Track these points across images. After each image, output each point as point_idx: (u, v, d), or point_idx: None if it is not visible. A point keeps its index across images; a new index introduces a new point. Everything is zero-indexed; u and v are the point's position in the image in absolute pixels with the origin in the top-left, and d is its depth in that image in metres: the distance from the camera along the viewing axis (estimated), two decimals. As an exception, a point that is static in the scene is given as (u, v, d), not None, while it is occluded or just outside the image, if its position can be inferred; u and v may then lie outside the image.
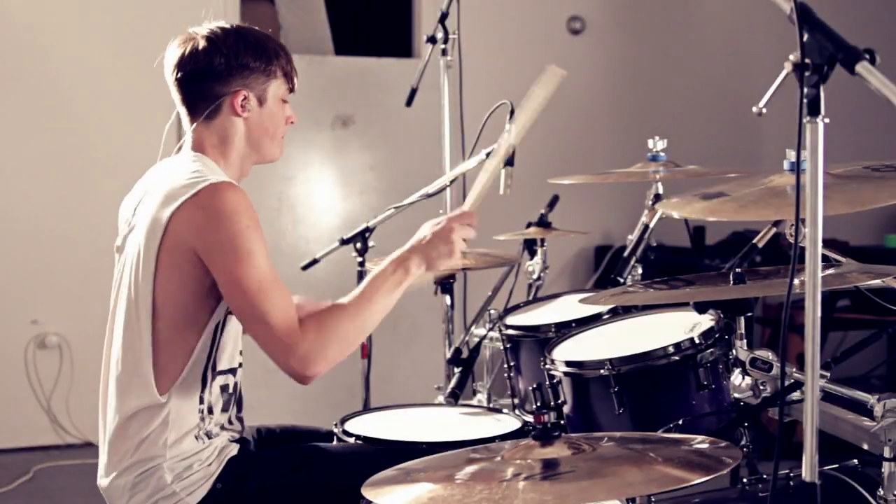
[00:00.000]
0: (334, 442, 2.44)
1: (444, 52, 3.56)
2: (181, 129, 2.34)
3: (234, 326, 2.25)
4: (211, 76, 2.25)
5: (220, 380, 2.22)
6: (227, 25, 2.31)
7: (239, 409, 2.32)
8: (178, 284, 2.13)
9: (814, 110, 1.54)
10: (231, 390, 2.27)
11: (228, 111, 2.26)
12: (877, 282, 2.16)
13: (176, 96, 2.30)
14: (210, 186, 2.11)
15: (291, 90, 2.35)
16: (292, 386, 2.57)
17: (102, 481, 2.22)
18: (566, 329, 2.66)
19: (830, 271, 2.16)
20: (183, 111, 2.30)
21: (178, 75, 2.27)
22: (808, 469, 1.57)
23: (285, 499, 2.23)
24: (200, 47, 2.25)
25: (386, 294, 2.19)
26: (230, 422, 2.28)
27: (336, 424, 2.49)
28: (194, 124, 2.28)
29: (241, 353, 2.30)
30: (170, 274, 2.13)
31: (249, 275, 2.07)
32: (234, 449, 2.25)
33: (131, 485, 2.16)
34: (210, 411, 2.21)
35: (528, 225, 3.35)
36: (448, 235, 2.25)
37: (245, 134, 2.28)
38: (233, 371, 2.26)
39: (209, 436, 2.22)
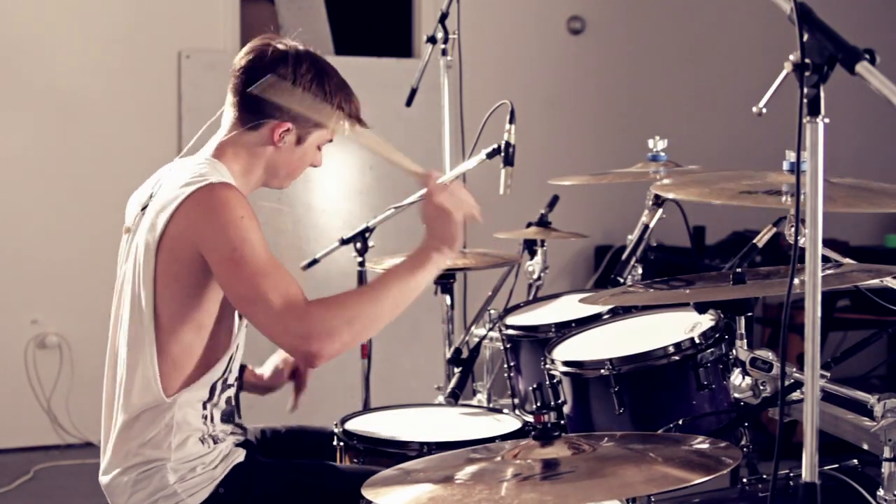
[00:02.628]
0: (335, 442, 2.45)
1: (444, 52, 3.56)
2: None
3: (242, 341, 2.26)
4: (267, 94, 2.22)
5: (226, 392, 2.24)
6: (314, 52, 2.28)
7: (239, 416, 2.32)
8: (179, 288, 2.13)
9: (814, 110, 1.54)
10: (233, 403, 2.28)
11: (267, 134, 2.24)
12: (876, 281, 2.16)
13: (230, 96, 2.27)
14: (207, 186, 2.11)
15: (331, 140, 2.33)
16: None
17: (104, 478, 2.23)
18: (566, 329, 2.66)
19: (830, 271, 2.16)
20: (229, 113, 2.27)
21: (242, 77, 2.23)
22: (808, 469, 1.57)
23: None
24: (277, 59, 2.21)
25: (402, 278, 2.13)
26: (233, 430, 2.29)
27: (336, 424, 2.49)
28: (233, 132, 2.25)
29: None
30: (171, 278, 2.13)
31: (245, 260, 2.05)
32: (240, 455, 2.25)
33: (133, 482, 2.17)
34: (212, 419, 2.22)
35: (528, 225, 3.34)
36: (438, 212, 2.17)
37: (270, 162, 2.27)
38: (234, 385, 2.28)
39: (215, 440, 2.22)
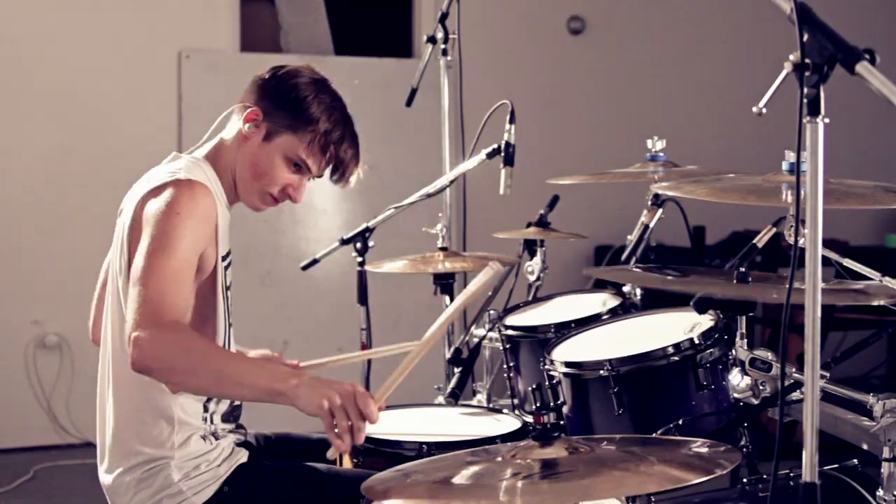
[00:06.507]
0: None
1: (444, 52, 3.56)
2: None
3: (232, 341, 2.25)
4: (259, 88, 2.27)
5: None
6: (324, 77, 2.31)
7: (238, 416, 2.32)
8: None
9: (814, 110, 1.54)
10: (234, 402, 2.27)
11: (240, 128, 2.26)
12: (876, 281, 2.16)
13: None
14: (174, 181, 2.11)
15: (308, 169, 2.29)
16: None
17: (105, 478, 2.22)
18: (566, 329, 2.66)
19: (860, 285, 2.14)
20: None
21: (257, 82, 2.30)
22: (808, 469, 1.57)
23: None
24: (299, 76, 2.28)
25: (247, 372, 1.95)
26: (235, 429, 2.29)
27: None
28: (225, 135, 2.29)
29: None
30: None
31: (154, 252, 2.00)
32: (243, 455, 2.25)
33: (137, 481, 2.16)
34: (212, 420, 2.22)
35: (528, 225, 3.34)
36: (331, 390, 1.89)
37: (239, 158, 2.26)
38: None
39: (216, 436, 2.22)
